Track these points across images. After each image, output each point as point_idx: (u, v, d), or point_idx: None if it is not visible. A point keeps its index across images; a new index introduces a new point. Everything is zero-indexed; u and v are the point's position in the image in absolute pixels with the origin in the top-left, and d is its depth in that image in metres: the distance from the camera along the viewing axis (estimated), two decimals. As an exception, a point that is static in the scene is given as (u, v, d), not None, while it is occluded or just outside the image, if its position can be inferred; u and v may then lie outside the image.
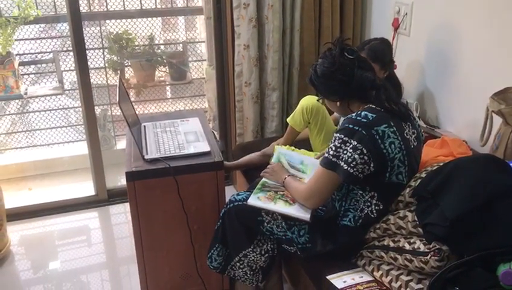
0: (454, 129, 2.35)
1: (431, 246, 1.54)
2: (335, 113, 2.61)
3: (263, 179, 2.07)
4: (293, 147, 2.48)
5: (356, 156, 1.60)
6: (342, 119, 2.43)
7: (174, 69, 3.71)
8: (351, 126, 1.64)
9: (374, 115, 1.66)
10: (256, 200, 1.88)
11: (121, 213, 3.16)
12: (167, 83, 3.78)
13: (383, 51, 2.37)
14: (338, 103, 1.81)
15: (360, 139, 1.61)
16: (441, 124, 2.45)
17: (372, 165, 1.63)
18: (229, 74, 3.05)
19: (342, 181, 1.70)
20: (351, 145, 1.61)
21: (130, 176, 1.96)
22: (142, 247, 2.08)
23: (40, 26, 3.56)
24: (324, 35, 2.93)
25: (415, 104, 2.47)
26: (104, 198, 3.20)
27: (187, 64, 3.80)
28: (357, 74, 1.73)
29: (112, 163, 3.59)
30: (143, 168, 1.97)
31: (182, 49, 3.83)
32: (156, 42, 3.75)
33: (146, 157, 2.03)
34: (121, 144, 3.92)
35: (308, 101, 2.43)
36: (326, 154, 1.68)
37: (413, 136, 1.75)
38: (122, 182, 3.53)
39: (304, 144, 2.56)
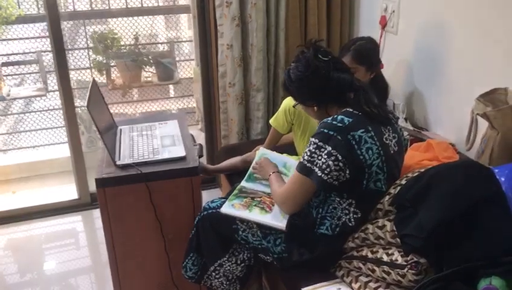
0: (442, 131, 2.26)
1: (408, 259, 1.45)
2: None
3: (241, 184, 1.99)
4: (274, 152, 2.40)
5: (330, 162, 1.52)
6: None
7: (161, 69, 3.63)
8: (326, 131, 1.56)
9: (351, 119, 1.57)
10: (230, 207, 1.80)
11: (104, 217, 3.08)
12: (154, 83, 3.69)
13: (370, 51, 2.28)
14: (315, 108, 1.72)
15: (335, 145, 1.53)
16: (429, 126, 2.36)
17: (347, 172, 1.55)
18: (213, 74, 2.96)
19: (316, 188, 1.62)
20: (326, 151, 1.53)
21: (99, 182, 1.88)
22: (115, 255, 2.00)
23: (23, 26, 3.47)
24: (310, 33, 2.84)
25: (402, 105, 2.39)
26: (87, 202, 3.13)
27: (174, 64, 3.72)
28: (333, 76, 1.65)
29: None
30: (113, 175, 1.89)
31: (169, 49, 3.75)
32: (143, 42, 3.66)
33: (117, 163, 1.95)
34: (108, 145, 3.84)
35: (290, 101, 2.34)
36: (302, 159, 1.60)
37: (393, 140, 1.66)
38: (107, 185, 3.45)
39: (287, 148, 2.48)
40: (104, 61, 3.54)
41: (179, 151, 2.04)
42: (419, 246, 1.41)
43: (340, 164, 1.53)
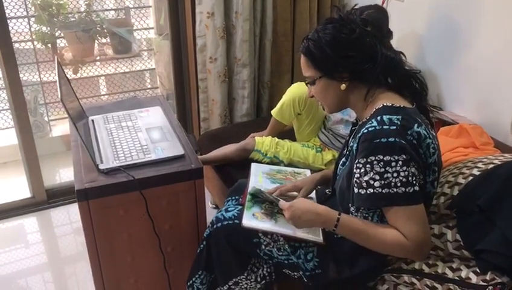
0: (463, 112, 2.03)
1: (488, 278, 1.22)
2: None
3: (252, 184, 1.67)
4: (276, 139, 2.10)
5: (413, 169, 1.21)
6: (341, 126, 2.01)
7: (117, 41, 3.15)
8: (383, 140, 1.21)
9: (399, 117, 1.25)
10: (252, 219, 1.48)
11: (65, 217, 2.66)
12: (109, 57, 3.21)
13: (380, 21, 1.99)
14: (343, 86, 1.34)
15: (405, 151, 1.20)
16: (444, 105, 2.14)
17: (421, 177, 1.26)
18: (188, 48, 2.56)
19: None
20: (400, 162, 1.20)
21: (81, 194, 1.49)
22: (102, 279, 1.63)
23: None
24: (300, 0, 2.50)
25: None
26: (43, 200, 2.67)
27: (132, 34, 3.25)
28: (380, 50, 1.31)
29: (47, 154, 3.06)
30: (99, 183, 1.50)
31: (124, 16, 3.26)
32: (94, 8, 3.14)
33: (101, 167, 1.55)
34: (57, 130, 3.36)
35: (300, 90, 2.03)
36: (370, 189, 1.22)
37: (433, 130, 1.40)
38: (63, 178, 3.00)
39: (284, 133, 2.18)
40: (49, 33, 3.00)
41: (174, 148, 1.67)
42: (507, 265, 1.19)
43: (417, 168, 1.23)
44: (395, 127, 1.22)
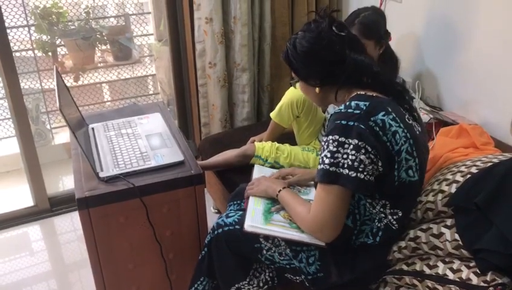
0: (462, 112, 2.03)
1: (488, 279, 1.22)
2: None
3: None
4: (276, 144, 2.09)
5: (362, 157, 1.25)
6: (330, 112, 2.07)
7: (117, 48, 3.16)
8: (343, 122, 1.28)
9: (367, 103, 1.31)
10: (254, 223, 1.48)
11: (68, 225, 2.66)
12: (109, 64, 3.23)
13: (377, 23, 2.00)
14: (317, 89, 1.43)
15: (359, 136, 1.26)
16: (444, 105, 2.13)
17: (380, 164, 1.29)
18: (187, 53, 2.57)
19: (352, 192, 1.33)
20: (351, 146, 1.25)
21: (82, 202, 1.49)
22: (104, 288, 1.64)
23: None
24: (299, 2, 2.50)
25: (417, 83, 2.13)
26: (46, 208, 2.68)
27: (132, 41, 3.26)
28: (348, 56, 1.37)
29: (50, 161, 3.07)
30: (99, 192, 1.51)
31: (124, 23, 3.27)
32: (93, 16, 3.16)
33: (101, 175, 1.56)
34: (59, 137, 3.37)
35: (298, 92, 2.02)
36: (321, 165, 1.30)
37: (414, 121, 1.42)
38: (66, 186, 3.01)
39: (285, 137, 2.18)
40: (49, 41, 3.02)
41: (174, 154, 1.68)
42: (504, 264, 1.18)
43: (372, 156, 1.27)
44: (358, 112, 1.29)
